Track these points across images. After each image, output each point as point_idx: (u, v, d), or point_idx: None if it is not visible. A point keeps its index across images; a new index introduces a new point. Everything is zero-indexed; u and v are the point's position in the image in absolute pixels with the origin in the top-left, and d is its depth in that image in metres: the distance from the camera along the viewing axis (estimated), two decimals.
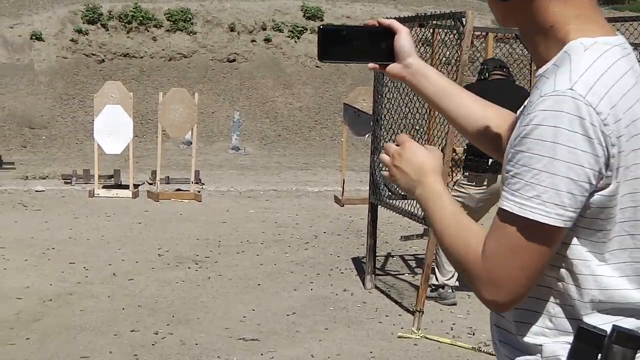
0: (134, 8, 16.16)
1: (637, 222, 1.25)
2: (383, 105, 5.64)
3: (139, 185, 9.85)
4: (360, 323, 4.95)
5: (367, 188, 6.06)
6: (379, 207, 5.76)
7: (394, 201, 5.56)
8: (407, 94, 5.30)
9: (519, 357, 1.30)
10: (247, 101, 15.53)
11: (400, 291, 5.68)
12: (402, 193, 5.25)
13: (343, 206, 9.08)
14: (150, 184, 10.04)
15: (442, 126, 5.01)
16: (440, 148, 5.29)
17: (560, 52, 1.24)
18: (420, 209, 4.72)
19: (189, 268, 6.20)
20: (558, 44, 1.25)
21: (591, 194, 1.19)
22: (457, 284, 5.26)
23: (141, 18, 16.15)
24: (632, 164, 1.21)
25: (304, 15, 16.91)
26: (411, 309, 5.06)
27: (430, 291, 5.21)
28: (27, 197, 9.21)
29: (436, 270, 5.27)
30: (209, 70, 15.92)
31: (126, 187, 9.47)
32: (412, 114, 5.30)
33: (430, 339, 4.64)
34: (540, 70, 1.27)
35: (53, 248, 6.71)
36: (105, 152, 9.48)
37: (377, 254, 5.95)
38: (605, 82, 1.18)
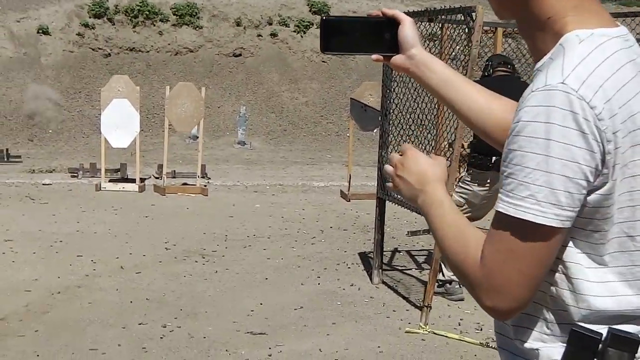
0: (140, 2, 16.16)
1: (635, 222, 1.19)
2: (391, 100, 5.63)
3: (145, 179, 9.87)
4: (368, 318, 4.95)
5: (373, 183, 6.06)
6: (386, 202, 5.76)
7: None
8: (415, 88, 5.28)
9: None
10: (253, 96, 15.54)
11: (408, 286, 5.68)
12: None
13: (349, 201, 9.09)
14: (156, 178, 10.05)
15: (451, 121, 5.00)
16: (449, 143, 5.29)
17: (556, 45, 1.17)
18: None
19: (196, 262, 6.21)
20: (555, 37, 1.18)
21: (588, 193, 1.13)
22: None
23: (147, 12, 16.15)
24: (629, 161, 1.15)
25: (310, 10, 16.90)
26: (418, 304, 5.06)
27: (438, 286, 5.20)
28: (35, 191, 9.24)
29: (443, 265, 5.26)
30: (215, 65, 15.92)
31: (133, 180, 9.49)
32: (420, 108, 5.29)
33: (438, 334, 4.64)
34: (537, 65, 1.21)
35: (61, 241, 6.73)
36: (112, 146, 9.50)
37: (384, 249, 5.96)
38: (600, 74, 1.12)
